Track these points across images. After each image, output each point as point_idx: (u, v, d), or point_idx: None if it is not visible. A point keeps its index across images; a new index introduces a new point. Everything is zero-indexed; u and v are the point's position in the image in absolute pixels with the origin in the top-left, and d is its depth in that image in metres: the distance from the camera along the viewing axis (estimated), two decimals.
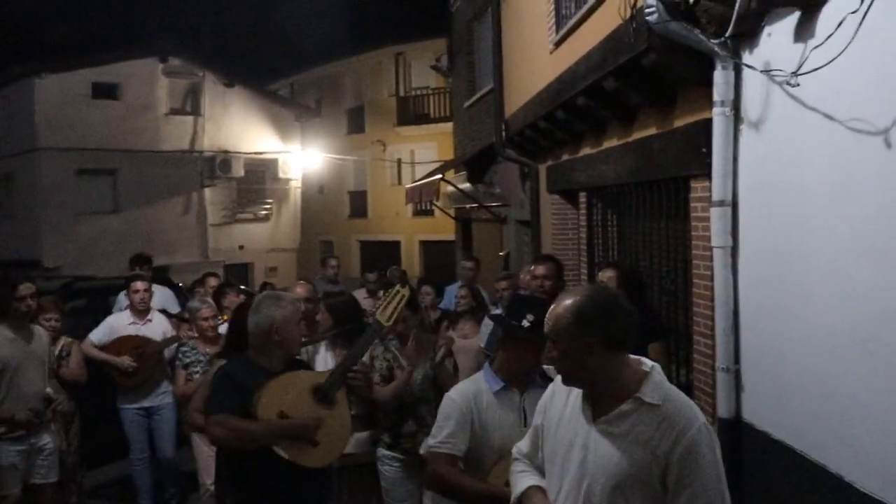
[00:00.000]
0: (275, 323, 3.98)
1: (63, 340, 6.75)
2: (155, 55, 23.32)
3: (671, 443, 2.42)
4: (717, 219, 4.63)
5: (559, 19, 7.82)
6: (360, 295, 8.99)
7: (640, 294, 6.34)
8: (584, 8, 6.66)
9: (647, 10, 4.62)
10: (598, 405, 2.57)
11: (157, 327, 7.26)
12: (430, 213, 25.59)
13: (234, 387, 3.86)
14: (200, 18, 27.04)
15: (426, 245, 26.63)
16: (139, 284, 7.36)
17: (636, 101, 6.08)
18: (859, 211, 3.41)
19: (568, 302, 2.57)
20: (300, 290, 8.13)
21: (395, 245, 27.34)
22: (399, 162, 27.63)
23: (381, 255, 24.17)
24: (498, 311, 6.92)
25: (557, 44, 7.73)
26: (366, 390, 4.60)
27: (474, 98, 14.28)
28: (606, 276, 5.82)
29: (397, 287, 4.57)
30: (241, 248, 25.03)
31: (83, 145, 21.72)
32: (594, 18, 6.47)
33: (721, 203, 4.60)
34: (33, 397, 5.57)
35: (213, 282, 8.85)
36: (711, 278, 4.91)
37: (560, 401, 2.73)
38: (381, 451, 5.20)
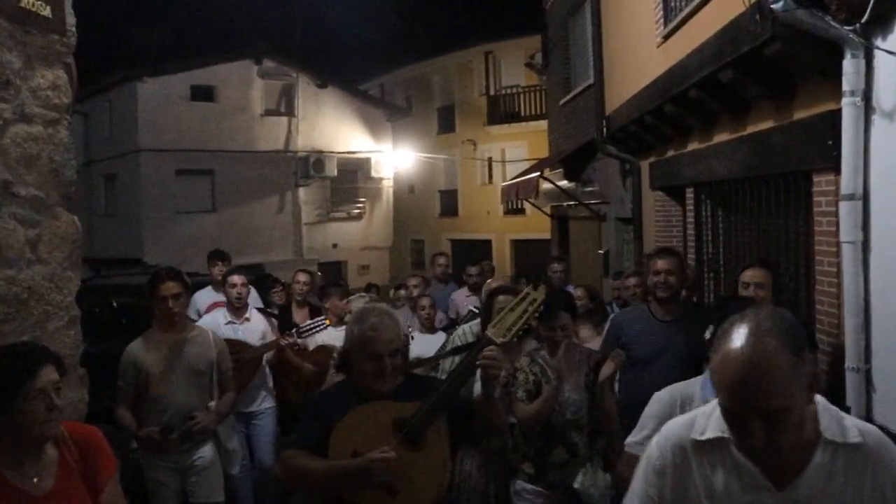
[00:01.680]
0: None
1: None
2: (250, 58, 23.82)
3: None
4: (847, 213, 4.47)
5: (667, 12, 7.68)
6: (462, 293, 8.77)
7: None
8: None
9: None
10: (774, 466, 1.93)
11: (256, 327, 6.56)
12: (521, 211, 25.51)
13: (318, 417, 3.21)
14: (293, 21, 27.38)
15: (517, 244, 26.51)
16: (236, 278, 6.56)
17: (753, 94, 5.92)
18: None
19: (771, 342, 1.82)
20: (413, 281, 8.02)
21: (487, 244, 27.28)
22: (490, 160, 27.60)
23: (472, 254, 24.18)
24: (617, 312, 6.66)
25: (666, 37, 7.59)
26: (502, 408, 3.62)
27: (571, 95, 14.15)
28: (756, 277, 4.71)
29: (527, 290, 3.34)
30: (334, 246, 25.36)
31: (182, 146, 22.32)
32: (708, 9, 6.33)
33: (851, 197, 4.44)
34: (176, 412, 4.86)
35: (302, 277, 7.97)
36: (838, 275, 4.75)
37: (688, 476, 2.07)
38: (521, 485, 4.38)
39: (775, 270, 4.79)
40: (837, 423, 1.95)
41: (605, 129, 10.41)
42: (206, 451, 5.05)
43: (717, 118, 6.91)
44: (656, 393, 3.24)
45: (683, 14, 6.96)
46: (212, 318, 6.53)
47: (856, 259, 4.46)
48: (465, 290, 8.82)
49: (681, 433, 2.11)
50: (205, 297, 7.56)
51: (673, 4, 7.52)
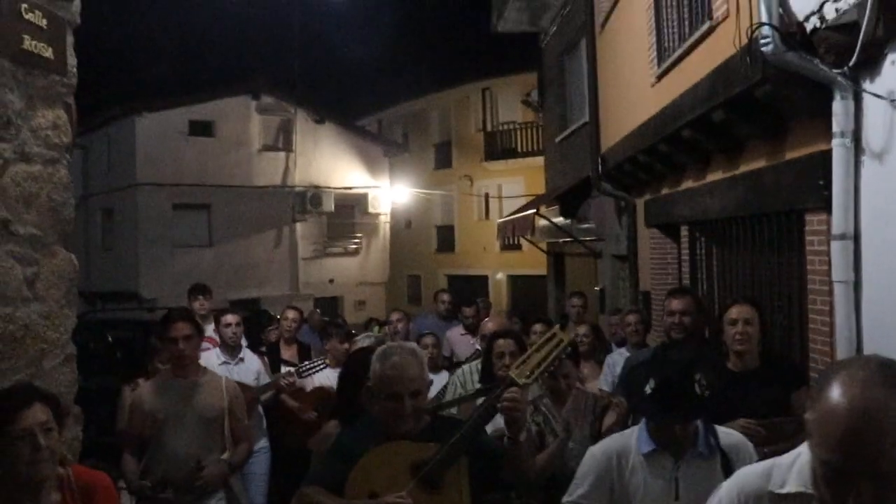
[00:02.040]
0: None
1: None
2: (248, 93, 24.07)
3: None
4: (838, 252, 4.52)
5: (661, 52, 7.77)
6: (457, 331, 8.68)
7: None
8: (690, 40, 6.60)
9: (762, 41, 4.58)
10: None
11: (251, 367, 6.50)
12: (517, 247, 25.54)
13: (340, 455, 3.18)
14: (291, 57, 27.71)
15: (514, 279, 26.56)
16: (230, 318, 6.48)
17: (745, 133, 5.99)
18: None
19: (888, 392, 1.59)
20: (395, 315, 8.03)
21: (483, 279, 27.33)
22: (486, 196, 27.75)
23: (468, 290, 24.23)
24: (622, 350, 6.58)
25: (660, 77, 7.68)
26: (530, 452, 3.39)
27: (566, 132, 14.28)
28: (743, 313, 4.48)
29: (554, 330, 3.28)
30: (331, 281, 25.42)
31: (180, 181, 22.46)
32: (700, 50, 6.41)
33: (842, 237, 4.49)
34: (182, 461, 4.54)
35: (291, 314, 7.73)
36: (830, 314, 4.78)
37: None
38: None
39: (761, 307, 4.60)
40: None
41: (600, 167, 10.49)
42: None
43: (710, 157, 6.98)
44: (590, 448, 3.15)
45: (676, 55, 7.05)
46: (205, 358, 6.08)
47: (847, 298, 4.50)
48: (459, 329, 8.74)
49: (758, 483, 1.96)
50: None
51: (667, 45, 7.62)
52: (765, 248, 6.21)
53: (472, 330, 8.34)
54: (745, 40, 5.05)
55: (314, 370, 6.43)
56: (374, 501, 2.94)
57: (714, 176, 6.95)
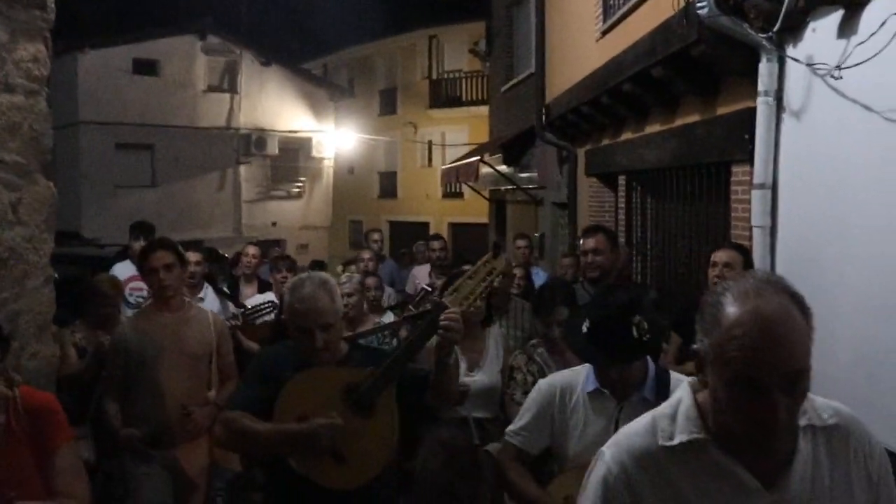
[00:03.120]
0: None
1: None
2: (194, 33, 23.73)
3: (876, 465, 1.79)
4: (758, 200, 4.99)
5: (606, 9, 8.15)
6: (424, 270, 8.41)
7: None
8: (634, 0, 6.97)
9: (698, 4, 4.97)
10: (763, 462, 1.68)
11: (211, 306, 6.01)
12: (459, 195, 25.92)
13: (265, 378, 3.07)
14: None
15: (455, 227, 26.94)
16: (192, 255, 6.04)
17: (681, 89, 6.41)
18: (894, 197, 3.76)
19: (785, 298, 1.61)
20: (366, 254, 7.76)
21: (425, 226, 27.65)
22: (430, 144, 27.97)
23: (410, 236, 24.55)
24: None
25: (604, 32, 8.06)
26: (456, 375, 3.18)
27: (512, 82, 14.60)
28: (725, 257, 4.53)
29: (486, 257, 3.11)
30: (273, 224, 25.48)
31: (123, 120, 22.16)
32: (643, 10, 6.80)
33: (762, 186, 4.95)
34: (169, 403, 4.30)
35: (251, 250, 7.63)
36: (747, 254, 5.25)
37: (662, 489, 1.74)
38: None
39: (747, 255, 4.63)
40: (810, 404, 1.74)
41: (544, 117, 10.87)
42: (199, 451, 4.46)
43: (648, 111, 7.41)
44: (539, 381, 3.15)
45: (621, 12, 7.44)
46: None
47: (764, 242, 4.98)
48: (426, 267, 8.45)
49: (645, 441, 1.78)
50: (123, 269, 6.73)
51: (612, 2, 7.99)
52: (695, 197, 6.68)
53: (439, 268, 8.04)
54: (682, 3, 5.45)
55: (262, 313, 6.18)
56: (305, 424, 2.88)
57: (651, 128, 7.39)
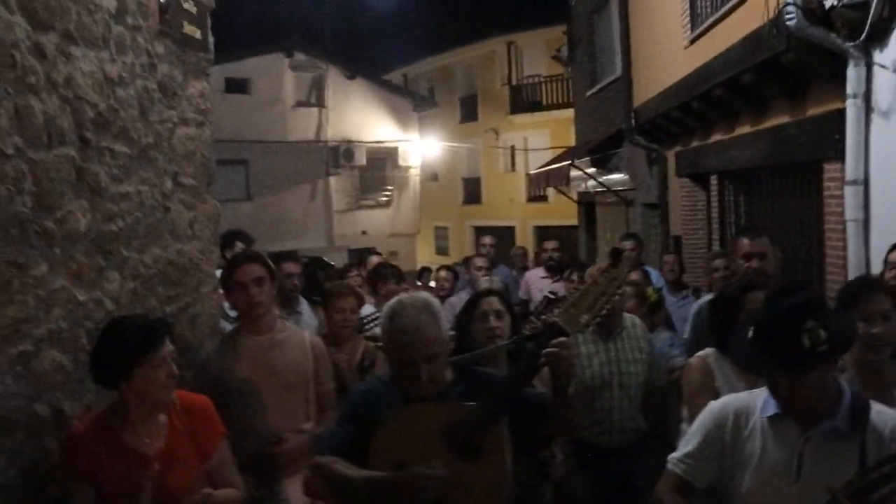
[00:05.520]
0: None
1: (363, 344, 4.85)
2: (281, 51, 24.65)
3: None
4: (851, 196, 5.40)
5: (694, 18, 8.55)
6: (537, 274, 7.87)
7: None
8: (722, 10, 7.39)
9: (787, 16, 5.40)
10: None
11: (308, 322, 5.60)
12: (543, 198, 26.30)
13: (356, 419, 2.79)
14: (322, 13, 28.39)
15: (540, 230, 27.32)
16: (291, 266, 5.60)
17: (770, 94, 6.80)
18: None
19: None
20: (479, 262, 7.04)
21: (510, 230, 28.07)
22: (512, 149, 28.41)
23: (496, 240, 24.94)
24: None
25: (693, 40, 8.46)
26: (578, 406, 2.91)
27: (597, 87, 14.99)
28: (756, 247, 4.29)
29: (605, 265, 2.73)
30: (363, 233, 26.21)
31: (219, 137, 22.96)
32: (731, 19, 7.20)
33: (854, 182, 5.37)
34: (260, 437, 3.68)
35: (375, 260, 6.99)
36: (844, 248, 5.65)
37: None
38: None
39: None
40: None
41: (633, 121, 11.28)
42: (294, 491, 3.61)
43: (738, 114, 7.80)
44: (712, 403, 2.70)
45: (709, 22, 7.84)
46: None
47: (858, 234, 5.39)
48: (540, 271, 7.87)
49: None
50: None
51: (700, 11, 8.40)
52: (787, 194, 7.06)
53: (553, 271, 7.57)
54: (772, 14, 5.87)
55: (374, 323, 5.13)
56: (405, 473, 2.55)
57: (742, 130, 7.77)
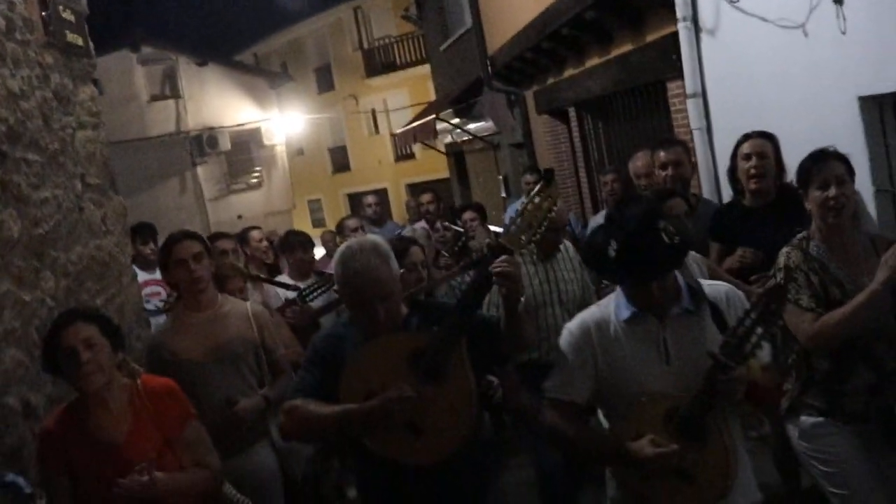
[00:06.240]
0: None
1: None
2: (127, 47, 24.10)
3: None
4: (693, 108, 6.11)
5: None
6: (419, 226, 7.84)
7: None
8: None
9: None
10: None
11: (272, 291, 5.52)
12: (411, 156, 26.82)
13: (320, 361, 2.88)
14: (163, 2, 27.84)
15: (413, 187, 27.77)
16: (256, 233, 5.98)
17: (613, 26, 7.44)
18: (792, 93, 4.89)
19: None
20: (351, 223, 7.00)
21: (383, 192, 28.43)
22: (373, 112, 28.71)
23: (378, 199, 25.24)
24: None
25: None
26: (528, 320, 2.97)
27: (450, 41, 15.43)
28: (756, 147, 4.27)
29: (541, 184, 2.81)
30: (239, 217, 25.99)
31: None
32: None
33: (694, 95, 6.07)
34: (216, 410, 3.69)
35: (257, 235, 6.28)
36: (693, 154, 6.33)
37: None
38: (807, 421, 3.25)
39: (775, 139, 4.34)
40: None
41: (489, 68, 11.82)
42: (264, 455, 3.92)
43: (586, 48, 8.43)
44: (565, 325, 2.81)
45: None
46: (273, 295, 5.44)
47: (703, 141, 6.11)
48: (422, 223, 7.87)
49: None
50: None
51: None
52: (639, 115, 7.76)
53: (432, 223, 7.61)
54: None
55: (320, 291, 5.23)
56: (375, 400, 2.65)
57: (591, 63, 8.41)
